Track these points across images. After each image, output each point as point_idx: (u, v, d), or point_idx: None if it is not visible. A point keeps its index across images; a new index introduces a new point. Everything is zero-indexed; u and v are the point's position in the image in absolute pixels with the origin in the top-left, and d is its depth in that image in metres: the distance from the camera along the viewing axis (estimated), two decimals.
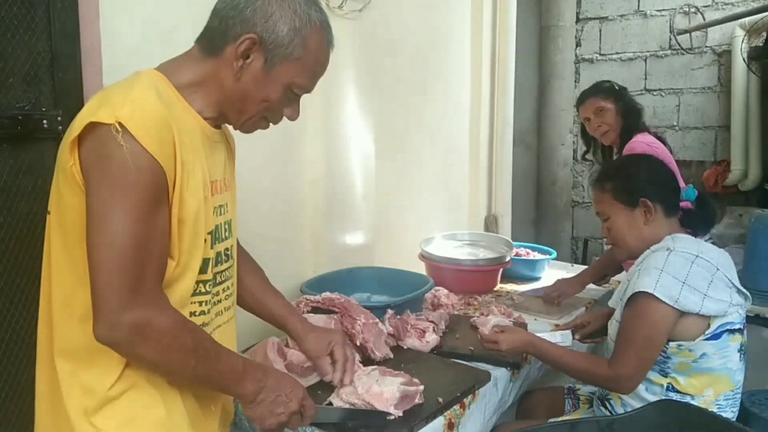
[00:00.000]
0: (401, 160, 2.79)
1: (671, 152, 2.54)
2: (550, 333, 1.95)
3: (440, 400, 1.49)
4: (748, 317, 3.16)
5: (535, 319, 2.23)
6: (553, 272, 2.85)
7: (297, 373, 1.57)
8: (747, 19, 4.07)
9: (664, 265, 1.53)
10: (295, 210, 2.21)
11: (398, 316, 1.92)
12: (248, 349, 1.67)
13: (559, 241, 4.93)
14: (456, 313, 2.26)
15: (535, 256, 2.92)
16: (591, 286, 2.49)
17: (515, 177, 5.12)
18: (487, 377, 1.66)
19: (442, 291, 2.34)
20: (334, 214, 2.33)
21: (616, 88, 2.61)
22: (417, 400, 1.47)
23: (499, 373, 1.74)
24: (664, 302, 1.50)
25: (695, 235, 1.69)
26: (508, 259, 2.62)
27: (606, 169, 1.83)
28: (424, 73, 2.95)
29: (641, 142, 2.42)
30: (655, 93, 4.64)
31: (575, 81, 4.86)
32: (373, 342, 1.71)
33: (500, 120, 3.66)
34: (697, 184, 4.51)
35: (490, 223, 3.72)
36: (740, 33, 4.14)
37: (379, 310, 1.91)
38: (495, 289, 2.63)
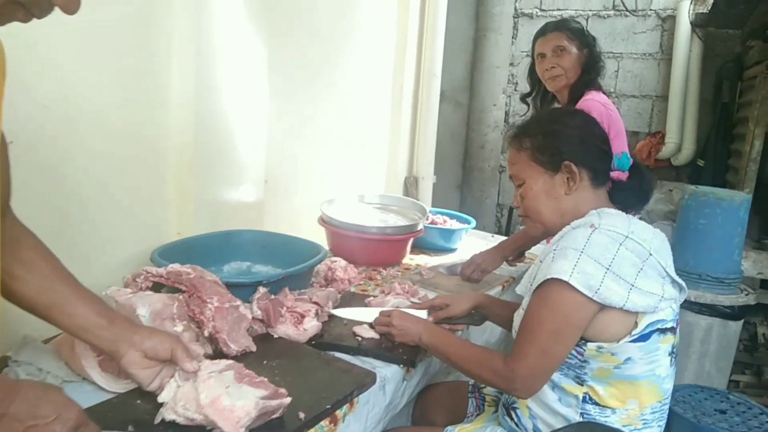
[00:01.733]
0: (306, 108, 2.37)
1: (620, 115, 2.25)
2: (407, 309, 1.61)
3: (301, 415, 1.12)
4: None
5: None
6: (471, 242, 2.54)
7: (113, 373, 1.18)
8: None
9: (585, 246, 1.21)
10: (156, 157, 1.76)
11: (273, 296, 1.53)
12: (51, 340, 1.26)
13: (483, 208, 4.67)
14: (352, 290, 1.90)
15: (453, 224, 2.60)
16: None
17: (443, 136, 4.79)
18: (370, 380, 1.31)
19: (340, 263, 1.97)
20: (209, 165, 1.89)
21: (587, 32, 2.26)
22: (275, 415, 1.10)
23: (389, 372, 1.40)
24: (581, 292, 1.18)
25: (626, 212, 1.38)
26: (420, 227, 2.27)
27: (526, 123, 1.46)
28: (340, 10, 2.52)
29: (596, 101, 2.10)
30: None
31: (513, 37, 4.52)
32: (228, 331, 1.32)
33: (427, 72, 3.28)
34: (629, 154, 4.30)
35: (410, 185, 3.38)
36: None
37: (249, 288, 1.52)
38: (404, 261, 2.29)
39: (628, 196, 1.41)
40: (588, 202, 1.35)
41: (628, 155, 1.43)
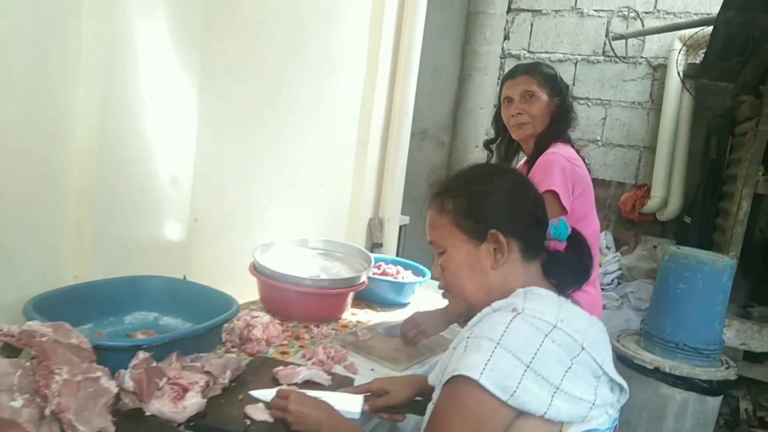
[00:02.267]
0: (252, 141, 2.18)
1: (590, 172, 2.04)
2: (334, 395, 1.37)
3: None
4: (645, 369, 2.79)
5: (372, 369, 1.66)
6: (427, 296, 2.32)
7: None
8: (686, 32, 3.66)
9: (502, 336, 0.99)
10: (52, 190, 1.55)
11: (156, 363, 1.31)
12: None
13: None
14: (271, 351, 1.68)
15: (407, 276, 2.38)
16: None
17: (422, 176, 4.62)
18: None
19: (262, 319, 1.74)
20: (116, 200, 1.67)
21: (559, 79, 2.05)
22: None
23: None
24: (493, 394, 0.96)
25: (563, 291, 1.17)
26: (362, 280, 2.05)
27: (450, 180, 1.23)
28: (300, 36, 2.35)
29: (561, 156, 1.89)
30: (581, 101, 4.20)
31: (499, 78, 4.36)
32: (77, 410, 1.09)
33: (398, 109, 3.10)
34: (614, 206, 4.11)
35: (374, 227, 3.17)
36: (678, 46, 3.74)
37: (129, 352, 1.30)
38: (345, 316, 2.06)
39: (564, 272, 1.19)
40: (518, 278, 1.14)
41: (566, 223, 1.21)
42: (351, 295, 2.04)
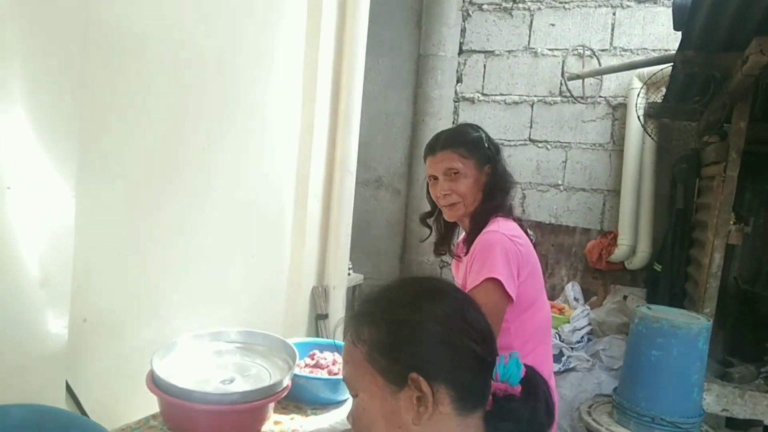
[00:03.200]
0: (149, 221, 1.88)
1: (534, 248, 1.77)
2: None
3: None
4: None
5: None
6: None
7: None
8: (645, 70, 3.48)
9: None
10: None
11: None
12: None
13: None
14: None
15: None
16: None
17: (379, 227, 4.37)
18: None
19: None
20: None
21: (486, 145, 1.77)
22: None
23: None
24: None
25: None
26: (284, 385, 1.74)
27: (371, 298, 0.96)
28: (221, 86, 2.09)
29: (501, 234, 1.63)
30: (540, 144, 3.99)
31: (453, 122, 4.14)
32: None
33: (340, 165, 2.84)
34: (579, 254, 3.87)
35: (318, 297, 2.88)
36: (638, 85, 3.55)
37: None
38: (264, 428, 1.75)
39: (515, 429, 0.90)
40: None
41: (519, 361, 0.92)
42: (271, 405, 1.73)
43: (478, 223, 1.70)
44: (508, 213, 1.74)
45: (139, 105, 1.80)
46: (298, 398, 1.91)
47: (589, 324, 3.45)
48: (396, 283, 1.00)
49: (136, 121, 1.80)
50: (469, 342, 0.90)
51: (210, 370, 1.78)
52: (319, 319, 2.86)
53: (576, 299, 3.76)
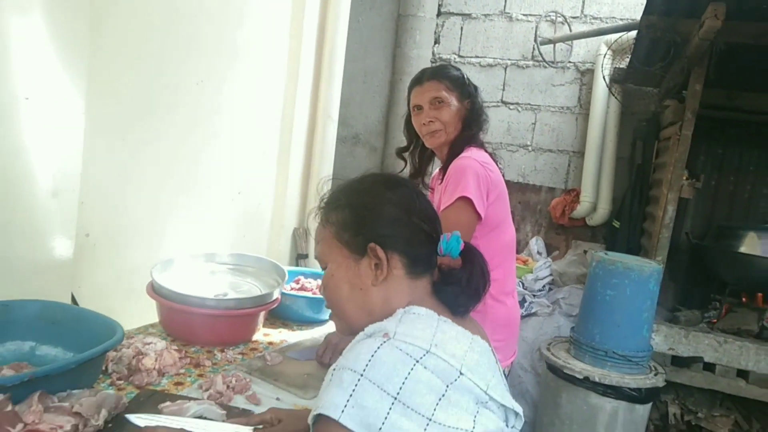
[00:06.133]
0: (152, 146, 2.01)
1: (503, 176, 1.95)
2: (221, 427, 1.24)
3: None
4: (575, 379, 2.74)
5: (278, 399, 1.51)
6: None
7: None
8: (612, 36, 3.67)
9: (366, 367, 0.88)
10: None
11: (13, 405, 1.13)
12: None
13: None
14: (163, 383, 1.50)
15: None
16: None
17: None
18: None
19: (155, 346, 1.57)
20: None
21: (467, 81, 1.96)
22: None
23: None
24: None
25: (456, 312, 1.06)
26: (274, 297, 1.90)
27: (336, 192, 1.14)
28: (210, 30, 2.19)
29: (474, 160, 1.81)
30: (512, 107, 4.17)
31: None
32: None
33: (322, 114, 2.97)
34: (544, 212, 4.09)
35: (299, 238, 3.02)
36: (605, 51, 3.75)
37: None
38: (256, 337, 1.91)
39: (455, 291, 1.08)
40: (401, 296, 1.04)
41: (459, 237, 1.10)
42: (262, 314, 1.88)
43: (454, 151, 1.87)
44: (480, 145, 1.91)
45: (141, 39, 1.90)
46: (286, 316, 2.08)
47: (551, 274, 3.67)
48: (358, 176, 1.17)
49: (138, 52, 1.90)
50: (418, 221, 1.08)
51: (205, 285, 1.92)
52: (300, 258, 3.01)
53: (539, 253, 3.98)
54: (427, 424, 0.87)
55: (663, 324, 3.05)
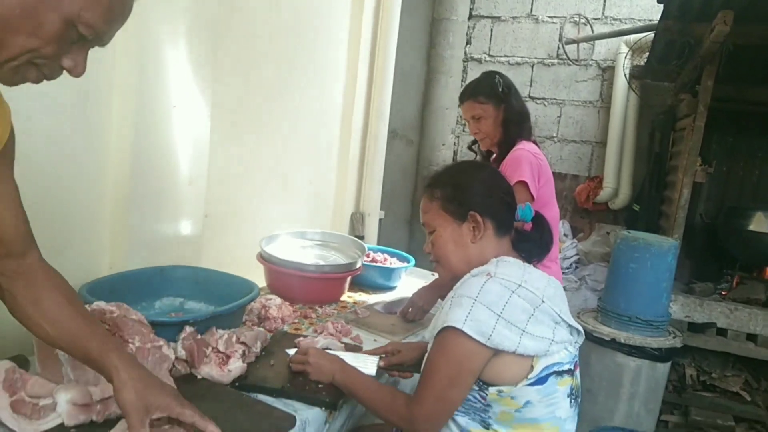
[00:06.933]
0: (250, 143, 2.41)
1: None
2: (354, 356, 1.65)
3: None
4: (603, 341, 3.13)
5: (375, 340, 1.93)
6: (411, 281, 2.59)
7: (26, 414, 1.17)
8: (632, 37, 4.03)
9: (478, 294, 1.28)
10: (90, 189, 1.76)
11: (200, 336, 1.54)
12: None
13: None
14: (285, 329, 1.92)
15: (393, 263, 2.64)
16: None
17: (394, 173, 4.88)
18: (289, 423, 1.33)
19: (275, 301, 1.98)
20: (146, 200, 1.90)
21: (500, 88, 2.31)
22: None
23: (310, 415, 1.42)
24: (474, 339, 1.25)
25: (530, 261, 1.46)
26: (358, 265, 2.31)
27: (438, 174, 1.55)
28: (290, 50, 2.59)
29: (527, 151, 2.21)
30: (538, 101, 4.54)
31: (462, 80, 4.67)
32: None
33: (376, 112, 3.36)
34: (569, 197, 4.47)
35: (356, 221, 3.43)
36: (625, 50, 4.11)
37: (176, 327, 1.53)
38: (342, 298, 2.32)
39: (530, 247, 1.49)
40: (492, 250, 1.43)
41: (531, 207, 1.51)
42: (348, 279, 2.30)
43: (504, 149, 2.27)
44: (527, 137, 2.30)
45: (248, 58, 2.31)
46: (362, 283, 2.49)
47: (577, 254, 4.06)
48: (453, 164, 1.60)
49: (246, 61, 2.30)
50: (502, 194, 1.49)
51: (301, 255, 2.33)
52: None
53: (566, 235, 4.37)
54: (522, 334, 1.26)
55: (680, 294, 3.43)
